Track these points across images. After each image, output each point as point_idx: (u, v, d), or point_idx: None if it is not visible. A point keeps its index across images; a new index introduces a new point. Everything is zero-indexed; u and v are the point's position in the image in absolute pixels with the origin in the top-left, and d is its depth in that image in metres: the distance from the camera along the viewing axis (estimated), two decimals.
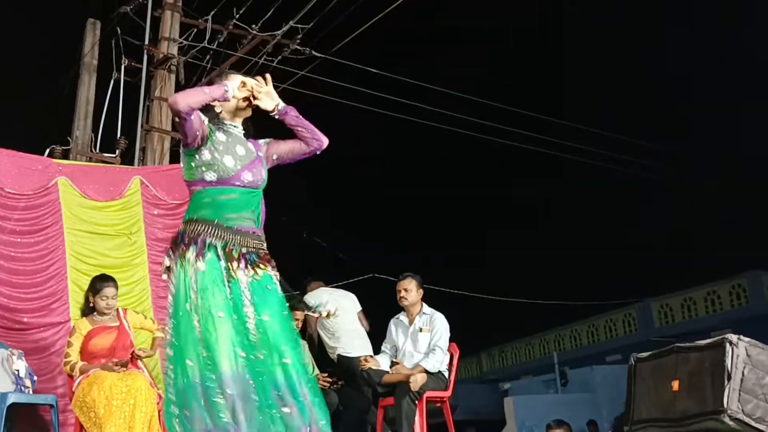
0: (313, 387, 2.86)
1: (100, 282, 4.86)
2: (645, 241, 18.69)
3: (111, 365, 4.56)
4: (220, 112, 3.03)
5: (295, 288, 6.63)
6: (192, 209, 2.95)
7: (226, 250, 2.85)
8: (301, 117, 3.11)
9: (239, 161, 2.96)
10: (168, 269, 2.93)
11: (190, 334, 2.75)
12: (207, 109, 2.98)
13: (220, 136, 2.99)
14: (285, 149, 3.15)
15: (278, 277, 2.99)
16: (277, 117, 3.06)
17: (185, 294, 2.80)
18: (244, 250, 2.88)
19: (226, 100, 2.95)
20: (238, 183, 2.93)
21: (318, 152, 3.18)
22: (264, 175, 3.04)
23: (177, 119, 2.87)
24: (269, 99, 3.03)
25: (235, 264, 2.85)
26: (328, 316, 6.11)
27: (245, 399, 2.70)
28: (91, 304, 4.82)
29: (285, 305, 2.94)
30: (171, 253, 2.92)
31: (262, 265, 2.92)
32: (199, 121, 2.89)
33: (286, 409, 2.73)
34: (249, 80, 3.01)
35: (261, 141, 3.13)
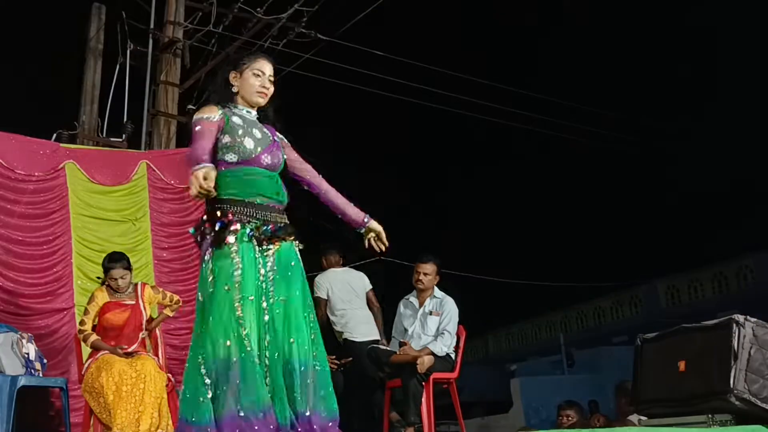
0: (322, 370, 2.90)
1: (109, 262, 4.87)
2: (651, 221, 18.65)
3: (119, 351, 4.58)
4: (237, 93, 3.06)
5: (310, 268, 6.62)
6: (220, 187, 2.91)
7: (258, 229, 2.88)
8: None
9: (258, 144, 2.99)
10: (200, 240, 2.94)
11: (228, 313, 2.77)
12: (224, 90, 3.03)
13: (236, 120, 3.00)
14: (294, 164, 3.20)
15: (300, 247, 3.03)
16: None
17: (225, 274, 2.81)
18: (272, 226, 2.92)
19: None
20: (257, 164, 2.97)
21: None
22: (281, 157, 3.08)
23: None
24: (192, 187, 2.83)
25: (264, 243, 2.89)
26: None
27: (271, 379, 2.77)
28: (106, 282, 4.84)
29: (304, 283, 2.98)
30: (205, 230, 2.92)
31: (287, 238, 2.96)
32: (209, 126, 2.90)
33: (281, 394, 2.79)
34: (201, 182, 2.71)
35: (277, 130, 3.15)
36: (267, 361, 2.81)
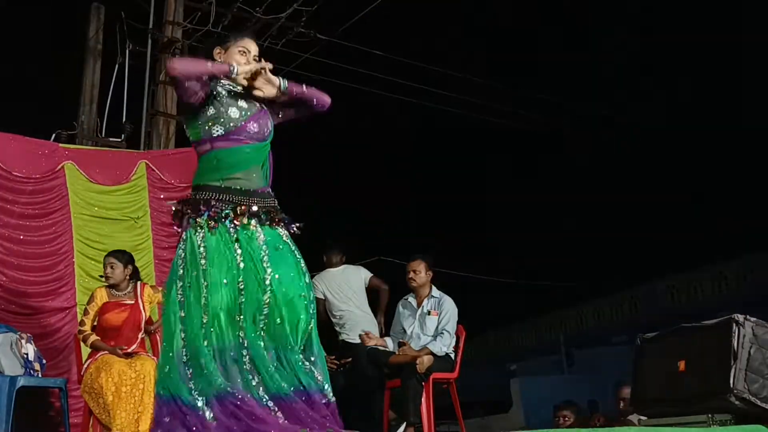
0: (316, 352, 2.91)
1: (106, 257, 4.90)
2: (651, 221, 18.65)
3: (119, 351, 4.58)
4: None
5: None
6: (199, 174, 2.95)
7: (237, 211, 2.85)
8: (302, 87, 3.08)
9: (244, 112, 2.95)
10: (178, 222, 2.94)
11: (197, 299, 2.77)
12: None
13: (222, 90, 2.97)
14: (289, 111, 3.14)
15: (288, 235, 2.99)
16: (282, 99, 3.04)
17: (194, 259, 2.81)
18: (255, 208, 2.88)
19: (227, 78, 2.92)
20: (244, 135, 2.92)
21: (323, 111, 3.15)
22: (270, 126, 3.03)
23: (173, 82, 2.87)
24: (270, 85, 2.99)
25: (248, 225, 2.86)
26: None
27: (234, 365, 2.74)
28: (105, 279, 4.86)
29: (298, 262, 2.95)
30: (181, 215, 2.93)
31: (272, 225, 2.93)
32: (196, 86, 2.85)
33: (269, 370, 2.76)
34: (265, 65, 2.96)
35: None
36: (248, 342, 2.78)
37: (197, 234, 2.85)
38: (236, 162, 2.91)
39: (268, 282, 2.82)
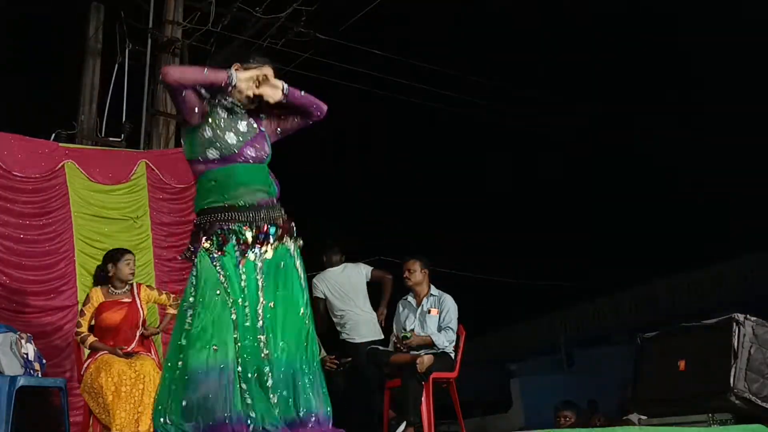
0: (313, 378, 2.83)
1: (121, 251, 4.89)
2: (651, 221, 18.65)
3: (119, 351, 4.58)
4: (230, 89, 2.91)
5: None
6: (200, 197, 2.91)
7: (242, 231, 2.81)
8: (302, 93, 3.04)
9: (241, 137, 2.90)
10: (189, 256, 2.91)
11: (216, 319, 2.72)
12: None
13: (221, 112, 2.92)
14: (287, 125, 3.10)
15: (296, 248, 2.95)
16: (285, 102, 2.99)
17: (211, 281, 2.77)
18: (262, 225, 2.84)
19: (227, 87, 2.84)
20: (241, 160, 2.88)
21: (320, 118, 3.11)
22: (268, 149, 2.99)
23: (168, 90, 2.82)
24: (275, 89, 2.93)
25: (251, 246, 2.82)
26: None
27: (249, 386, 2.71)
28: (110, 274, 4.81)
29: (297, 284, 2.90)
30: (192, 246, 2.90)
31: (280, 238, 2.88)
32: (194, 98, 2.82)
33: (273, 399, 2.73)
34: (266, 71, 2.91)
35: (261, 115, 3.05)
36: (250, 369, 2.73)
37: (205, 259, 2.81)
38: (234, 181, 2.86)
39: (260, 309, 2.78)
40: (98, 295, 4.78)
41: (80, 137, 7.87)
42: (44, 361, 4.96)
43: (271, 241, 2.86)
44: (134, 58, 8.45)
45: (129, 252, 4.92)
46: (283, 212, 2.95)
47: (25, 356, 4.70)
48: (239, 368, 2.71)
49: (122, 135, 8.00)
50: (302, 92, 3.04)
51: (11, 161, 5.80)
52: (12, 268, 5.61)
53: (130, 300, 4.81)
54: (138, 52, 8.44)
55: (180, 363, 2.73)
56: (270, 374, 2.75)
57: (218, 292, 2.76)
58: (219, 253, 2.80)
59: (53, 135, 7.28)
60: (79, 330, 4.73)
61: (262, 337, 2.76)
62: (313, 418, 2.78)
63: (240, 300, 2.76)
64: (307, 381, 2.81)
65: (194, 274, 2.84)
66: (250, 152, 2.91)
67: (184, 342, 2.75)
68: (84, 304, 4.83)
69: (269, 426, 2.67)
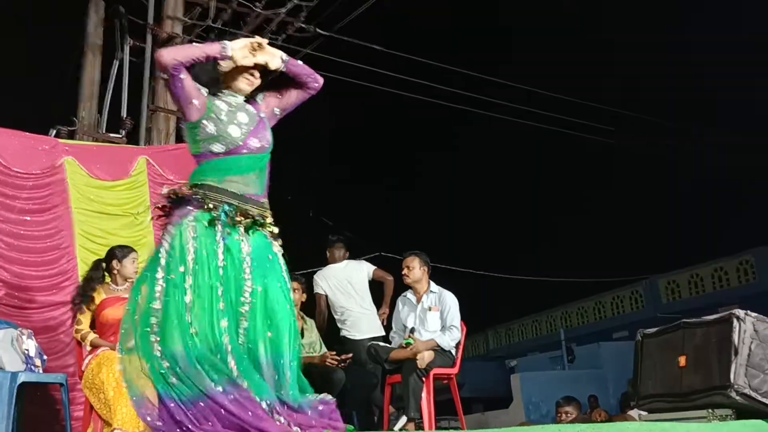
0: (296, 367, 2.79)
1: (126, 248, 4.90)
2: (652, 217, 18.65)
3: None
4: (221, 75, 2.92)
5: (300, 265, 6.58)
6: (197, 173, 2.91)
7: (229, 216, 2.81)
8: (299, 62, 3.05)
9: (244, 128, 2.91)
10: (169, 210, 2.89)
11: (180, 298, 2.71)
12: (208, 75, 2.90)
13: (220, 105, 2.92)
14: (286, 101, 3.09)
15: (279, 244, 2.94)
16: (284, 70, 2.98)
17: (181, 257, 2.76)
18: (248, 216, 2.84)
19: (223, 58, 2.84)
20: (245, 151, 2.89)
21: (315, 93, 3.10)
22: (269, 137, 3.00)
23: (165, 77, 2.79)
24: (273, 57, 2.94)
25: (237, 230, 2.81)
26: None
27: (223, 365, 2.67)
28: (115, 271, 4.82)
29: (284, 276, 2.89)
30: (170, 210, 2.89)
31: (264, 233, 2.89)
32: (191, 87, 2.81)
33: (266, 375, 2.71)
34: (260, 40, 2.92)
35: (257, 98, 3.05)
36: (232, 351, 2.70)
37: (187, 229, 2.79)
38: (235, 166, 2.88)
39: (248, 294, 2.76)
40: (99, 293, 4.79)
41: (80, 133, 7.85)
42: (45, 357, 4.96)
43: (256, 230, 2.86)
44: (134, 53, 8.44)
45: (134, 250, 4.93)
46: (268, 212, 2.95)
47: (26, 352, 4.70)
48: (220, 347, 2.68)
49: (122, 131, 7.99)
50: (300, 64, 3.04)
51: (11, 158, 5.79)
52: (13, 264, 5.61)
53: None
54: (138, 48, 8.42)
55: (156, 331, 2.71)
56: (253, 359, 2.73)
57: (182, 269, 2.74)
58: (198, 230, 2.78)
59: (54, 131, 7.28)
60: (79, 327, 4.73)
61: (243, 321, 2.74)
62: (313, 405, 2.77)
63: (213, 283, 2.74)
64: (292, 372, 2.77)
65: (167, 239, 2.82)
66: (254, 143, 2.92)
67: (153, 306, 2.73)
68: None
69: (266, 398, 2.65)
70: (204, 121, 2.87)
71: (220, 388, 2.62)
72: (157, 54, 2.77)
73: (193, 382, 2.64)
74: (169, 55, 2.75)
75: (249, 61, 2.89)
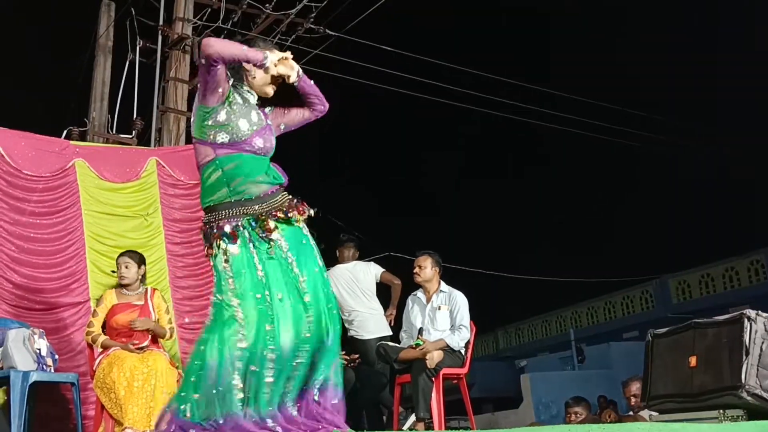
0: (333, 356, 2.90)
1: (120, 255, 4.97)
2: (662, 217, 18.59)
3: (131, 347, 4.62)
4: (248, 73, 3.00)
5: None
6: (206, 192, 2.95)
7: (255, 221, 2.87)
8: (311, 82, 3.14)
9: (253, 126, 2.96)
10: (209, 252, 2.96)
11: (224, 320, 2.80)
12: (235, 67, 2.98)
13: (237, 98, 2.98)
14: (291, 119, 3.17)
15: (306, 228, 3.01)
16: (297, 85, 3.08)
17: (222, 280, 2.85)
18: (271, 216, 2.89)
19: (260, 67, 2.94)
20: (248, 148, 2.93)
21: (320, 117, 3.20)
22: (273, 142, 3.05)
23: (203, 62, 2.84)
24: (291, 69, 3.02)
25: (268, 231, 2.87)
26: None
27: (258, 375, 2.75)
28: (142, 274, 4.94)
29: (317, 260, 2.98)
30: (205, 240, 2.95)
31: (292, 219, 2.94)
32: (224, 77, 2.89)
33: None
34: (287, 54, 3.00)
35: (266, 109, 3.12)
36: (273, 355, 2.78)
37: (220, 255, 2.86)
38: (242, 172, 2.91)
39: (304, 284, 2.86)
40: (111, 297, 4.85)
41: (92, 134, 7.91)
42: (56, 356, 4.99)
43: (283, 220, 2.92)
44: (145, 55, 8.49)
45: (123, 255, 5.00)
46: (288, 196, 3.00)
47: (37, 352, 4.73)
48: (262, 356, 2.77)
49: (133, 132, 8.03)
50: (313, 85, 3.14)
51: (22, 160, 5.81)
52: (23, 266, 5.63)
53: (142, 302, 4.87)
54: (148, 50, 8.47)
55: (197, 357, 2.80)
56: (286, 359, 2.79)
57: (230, 293, 2.83)
58: (230, 248, 2.85)
59: (65, 132, 7.32)
60: (90, 330, 4.78)
61: (309, 316, 2.84)
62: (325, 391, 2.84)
63: (262, 293, 2.82)
64: (325, 359, 2.86)
65: (214, 266, 2.90)
66: (258, 142, 2.96)
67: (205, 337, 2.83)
68: (97, 305, 4.90)
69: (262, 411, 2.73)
70: (219, 108, 2.92)
71: (237, 412, 2.70)
72: (206, 42, 2.83)
73: (210, 406, 2.72)
74: (217, 47, 2.81)
75: (274, 71, 2.97)
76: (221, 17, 8.51)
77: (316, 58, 8.98)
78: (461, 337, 5.21)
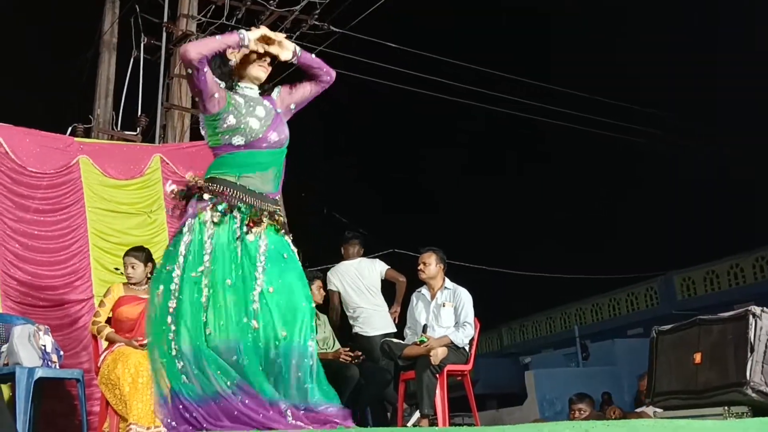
0: (310, 369, 2.76)
1: (125, 253, 4.98)
2: (667, 213, 18.54)
3: (135, 343, 4.63)
4: (234, 67, 2.96)
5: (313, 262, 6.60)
6: (214, 166, 2.92)
7: (246, 213, 2.82)
8: (312, 56, 3.10)
9: (263, 122, 2.92)
10: (182, 206, 2.91)
11: (196, 298, 2.73)
12: (222, 68, 2.93)
13: (239, 99, 2.94)
14: (300, 95, 3.12)
15: (292, 244, 2.95)
16: (295, 62, 3.02)
17: (197, 255, 2.78)
18: (264, 215, 2.85)
19: (240, 46, 2.88)
20: (265, 145, 2.90)
21: (328, 86, 3.14)
22: (287, 131, 3.02)
23: (189, 72, 2.81)
24: (286, 50, 2.97)
25: (253, 228, 2.81)
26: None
27: (235, 368, 2.68)
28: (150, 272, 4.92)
29: (301, 274, 2.88)
30: (184, 205, 2.91)
31: (280, 231, 2.90)
32: (213, 81, 2.84)
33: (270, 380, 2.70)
34: (266, 31, 2.95)
35: (273, 94, 3.08)
36: (243, 350, 2.70)
37: (205, 226, 2.80)
38: (254, 162, 2.89)
39: (256, 294, 2.74)
40: (119, 290, 4.86)
41: (96, 131, 7.92)
42: (61, 352, 5.00)
43: (272, 227, 2.87)
44: (149, 52, 8.49)
45: (128, 254, 4.97)
46: (282, 210, 2.98)
47: (42, 348, 4.74)
48: (236, 346, 2.70)
49: (138, 128, 8.04)
50: (313, 57, 3.09)
51: (27, 157, 5.82)
52: (28, 263, 5.65)
53: (148, 296, 4.86)
54: (153, 46, 8.47)
55: (164, 328, 2.74)
56: (264, 361, 2.72)
57: (200, 269, 2.75)
58: (215, 227, 2.80)
59: (70, 129, 7.33)
60: (96, 320, 4.78)
61: (254, 321, 2.72)
62: (322, 407, 2.74)
63: (229, 280, 2.75)
64: (308, 371, 2.75)
65: (184, 238, 2.83)
66: (273, 137, 2.93)
67: (169, 306, 2.75)
68: (105, 296, 4.90)
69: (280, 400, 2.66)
70: (224, 114, 2.88)
71: (230, 391, 2.64)
72: (183, 49, 2.80)
73: (205, 383, 2.66)
74: (195, 49, 2.77)
75: (260, 48, 2.93)
76: (225, 14, 8.51)
77: (320, 54, 8.96)
78: (465, 335, 5.21)
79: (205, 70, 2.80)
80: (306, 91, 3.12)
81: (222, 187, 2.85)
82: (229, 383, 2.65)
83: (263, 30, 2.93)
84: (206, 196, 2.85)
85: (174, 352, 2.72)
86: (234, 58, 2.96)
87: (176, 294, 2.76)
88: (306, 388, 2.72)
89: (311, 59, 3.07)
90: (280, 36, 2.97)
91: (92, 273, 5.87)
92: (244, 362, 2.68)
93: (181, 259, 2.80)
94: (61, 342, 5.21)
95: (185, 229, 2.85)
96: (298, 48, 3.01)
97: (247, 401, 2.63)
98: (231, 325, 2.72)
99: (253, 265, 2.78)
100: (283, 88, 3.11)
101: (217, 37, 2.87)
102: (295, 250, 2.96)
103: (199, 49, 2.78)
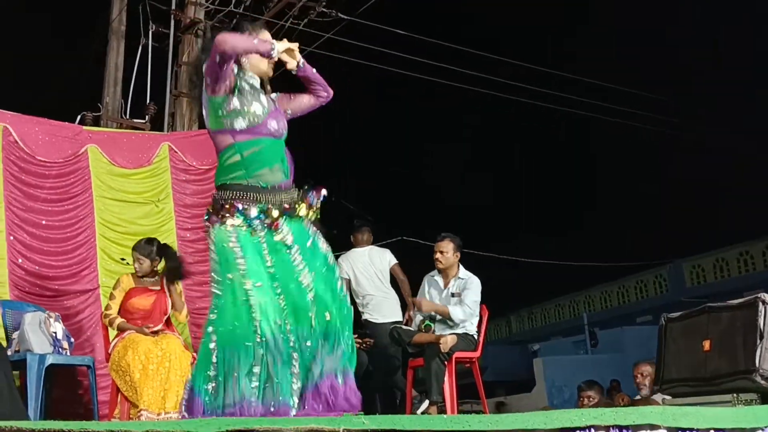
0: (348, 344, 2.94)
1: (133, 247, 4.99)
2: (676, 200, 18.46)
3: (146, 330, 4.66)
4: (244, 63, 3.06)
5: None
6: (222, 172, 2.99)
7: (265, 212, 2.89)
8: (314, 70, 3.18)
9: (265, 109, 3.01)
10: (208, 228, 2.99)
11: (235, 301, 2.84)
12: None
13: (245, 85, 3.03)
14: (297, 104, 3.21)
15: (312, 226, 3.04)
16: (298, 74, 3.13)
17: (228, 262, 2.87)
18: (281, 208, 2.92)
19: (268, 57, 3.00)
20: (265, 131, 2.98)
21: (324, 103, 3.25)
22: (285, 124, 3.11)
23: (217, 59, 2.88)
24: (292, 60, 3.08)
25: (276, 224, 2.90)
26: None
27: (280, 364, 2.81)
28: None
29: (327, 259, 3.02)
30: (210, 218, 2.98)
31: (300, 219, 2.97)
32: (231, 70, 2.95)
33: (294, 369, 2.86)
34: (293, 46, 3.06)
35: (272, 95, 3.17)
36: (292, 343, 2.85)
37: (228, 235, 2.88)
38: (260, 158, 2.95)
39: (307, 281, 2.89)
40: (128, 281, 4.89)
41: (105, 119, 7.92)
42: (72, 339, 5.04)
43: (292, 218, 2.95)
44: (158, 39, 8.48)
45: (137, 249, 4.97)
46: (297, 193, 3.04)
47: (53, 335, 4.78)
48: (282, 342, 2.83)
49: (147, 116, 8.04)
50: (316, 73, 3.19)
51: (36, 145, 5.82)
52: (35, 253, 5.65)
53: (158, 288, 4.90)
54: (161, 34, 8.46)
55: (211, 337, 2.86)
56: (298, 350, 2.85)
57: (230, 276, 2.86)
58: (239, 232, 2.88)
59: (79, 117, 7.34)
60: (107, 312, 4.82)
61: (311, 312, 2.88)
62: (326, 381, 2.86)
63: (260, 282, 2.85)
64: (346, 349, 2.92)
65: (212, 250, 2.94)
66: (273, 124, 3.01)
67: (213, 317, 2.89)
68: (114, 288, 4.92)
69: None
70: (230, 97, 2.96)
71: (253, 399, 2.75)
72: (221, 38, 2.86)
73: (228, 392, 2.77)
74: (232, 43, 2.86)
75: (277, 58, 3.04)
76: (233, 1, 8.49)
77: (327, 42, 8.95)
78: (463, 312, 5.18)
79: (232, 61, 2.91)
80: (303, 102, 3.22)
81: (234, 194, 2.92)
82: (253, 390, 2.77)
83: (290, 45, 3.04)
84: (222, 209, 2.92)
85: (214, 357, 2.82)
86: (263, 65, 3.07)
87: (215, 303, 2.89)
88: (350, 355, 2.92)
89: (313, 74, 3.16)
90: (296, 50, 3.08)
91: (98, 263, 5.89)
92: (294, 358, 2.83)
93: (215, 275, 2.92)
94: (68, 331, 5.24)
95: (210, 244, 2.95)
96: (302, 60, 3.11)
97: (266, 410, 2.75)
98: (274, 324, 2.84)
99: (289, 260, 2.90)
100: (282, 94, 3.21)
101: (255, 41, 2.97)
102: (317, 235, 3.03)
103: (235, 44, 2.87)
